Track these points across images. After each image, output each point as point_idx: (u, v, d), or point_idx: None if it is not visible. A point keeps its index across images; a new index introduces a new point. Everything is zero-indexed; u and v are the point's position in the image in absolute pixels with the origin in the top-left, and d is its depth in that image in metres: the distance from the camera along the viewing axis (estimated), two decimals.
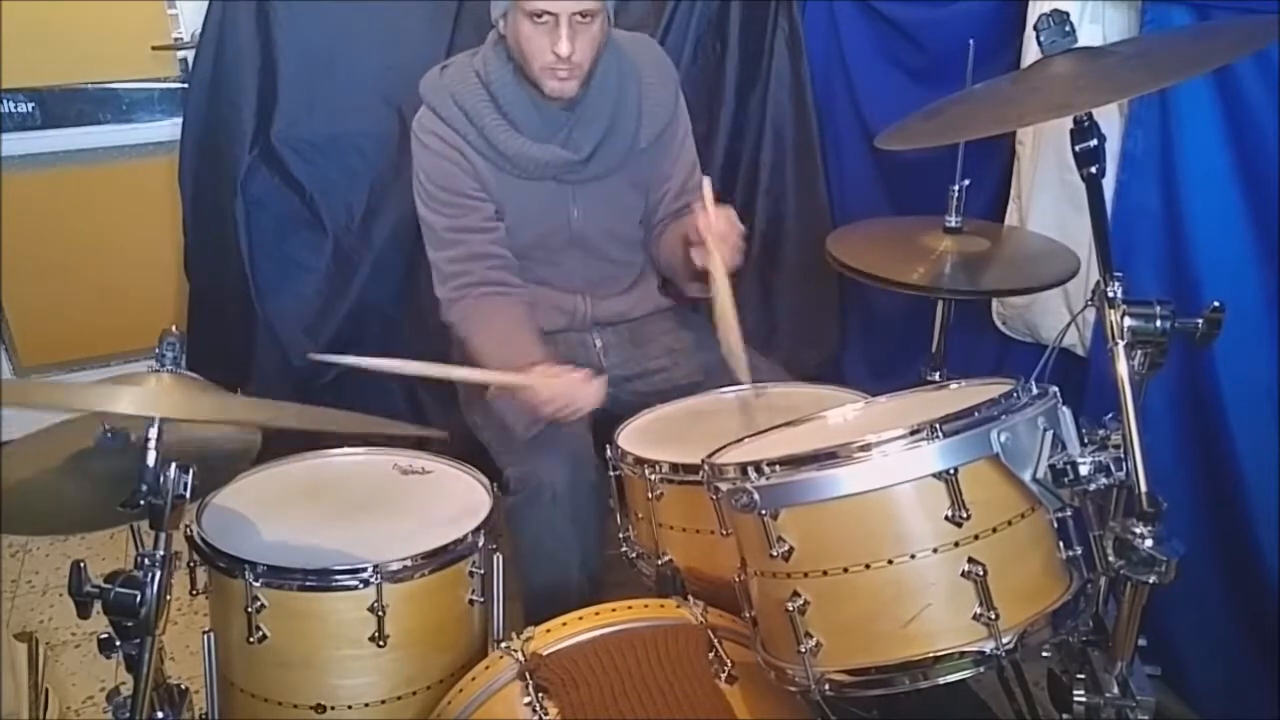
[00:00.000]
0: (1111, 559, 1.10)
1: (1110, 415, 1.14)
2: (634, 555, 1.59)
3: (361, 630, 1.36)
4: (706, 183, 1.66)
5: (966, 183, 1.76)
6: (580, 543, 1.60)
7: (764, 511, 1.11)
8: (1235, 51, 1.33)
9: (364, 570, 1.34)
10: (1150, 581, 1.09)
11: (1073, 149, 1.17)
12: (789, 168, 2.54)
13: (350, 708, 1.38)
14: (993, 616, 1.06)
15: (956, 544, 1.07)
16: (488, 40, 1.77)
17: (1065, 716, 1.21)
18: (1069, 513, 1.12)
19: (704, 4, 2.41)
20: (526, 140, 1.74)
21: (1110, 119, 1.72)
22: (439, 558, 1.39)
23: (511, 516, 1.61)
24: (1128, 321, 1.15)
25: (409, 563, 1.37)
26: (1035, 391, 1.14)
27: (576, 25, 1.63)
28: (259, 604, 1.34)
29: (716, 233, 1.61)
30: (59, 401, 1.12)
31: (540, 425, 1.63)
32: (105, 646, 1.06)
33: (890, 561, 1.07)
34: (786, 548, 1.11)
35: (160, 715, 1.14)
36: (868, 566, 1.08)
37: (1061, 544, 1.13)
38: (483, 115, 1.74)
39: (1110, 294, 1.15)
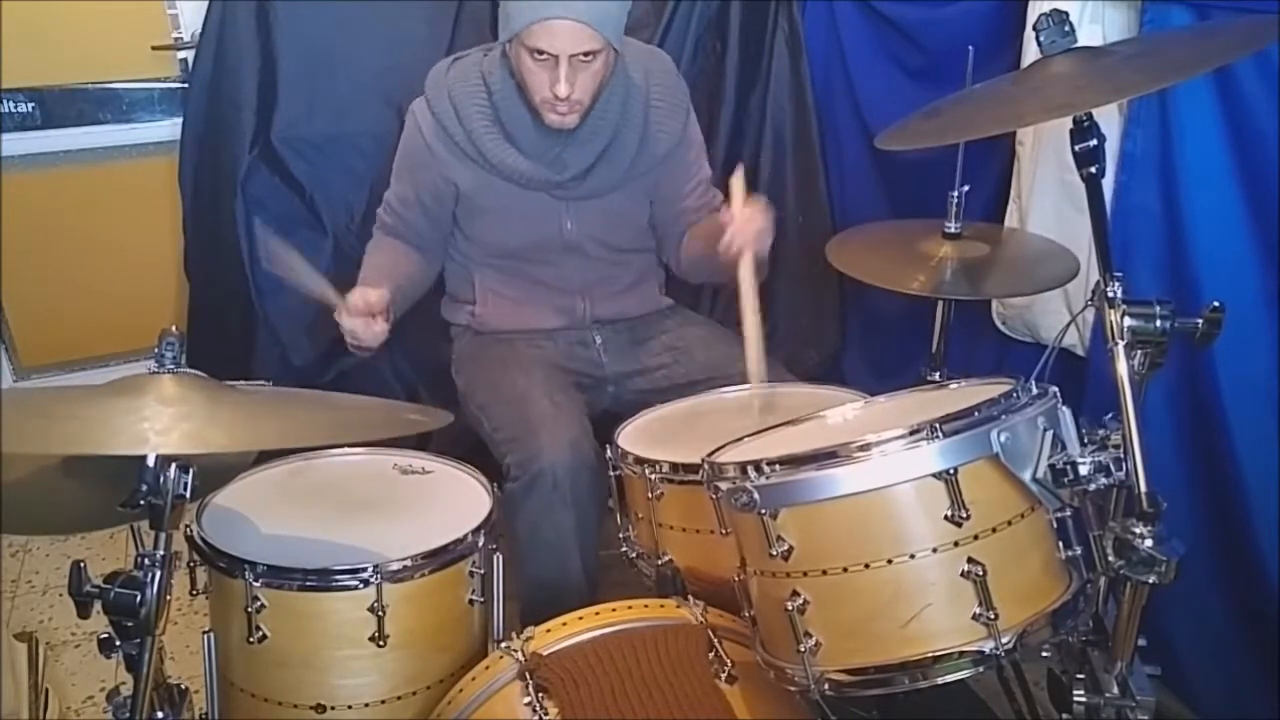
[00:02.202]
0: (1111, 559, 1.10)
1: (1110, 415, 1.14)
2: (634, 555, 1.59)
3: (361, 630, 1.35)
4: (738, 177, 1.66)
5: (966, 188, 1.76)
6: (579, 530, 1.60)
7: (764, 511, 1.11)
8: (1235, 51, 1.33)
9: (364, 570, 1.34)
10: (1150, 581, 1.09)
11: (1072, 149, 1.17)
12: (789, 168, 2.53)
13: (350, 708, 1.38)
14: (992, 616, 1.06)
15: (956, 544, 1.07)
16: (498, 48, 1.76)
17: (1065, 716, 1.21)
18: (1069, 513, 1.12)
19: (704, 4, 2.41)
20: (514, 152, 1.75)
21: (1110, 119, 1.72)
22: (439, 558, 1.39)
23: (509, 503, 1.61)
24: (1128, 321, 1.15)
25: (409, 563, 1.37)
26: (1035, 391, 1.14)
27: (577, 64, 1.62)
28: (259, 604, 1.34)
29: (740, 222, 1.61)
30: (50, 445, 1.09)
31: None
32: (105, 646, 1.06)
33: (890, 561, 1.07)
34: (786, 547, 1.11)
35: (160, 715, 1.14)
36: (867, 566, 1.08)
37: (1061, 544, 1.13)
38: (474, 119, 1.75)
39: (1110, 294, 1.15)
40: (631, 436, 1.62)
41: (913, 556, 1.07)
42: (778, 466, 1.10)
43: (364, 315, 1.64)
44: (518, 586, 1.64)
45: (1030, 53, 1.82)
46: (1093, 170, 1.17)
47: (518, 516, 1.61)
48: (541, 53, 1.61)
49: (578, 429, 1.65)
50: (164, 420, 1.02)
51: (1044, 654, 1.13)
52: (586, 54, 1.62)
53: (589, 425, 1.70)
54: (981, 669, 1.07)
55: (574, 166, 1.77)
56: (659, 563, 1.51)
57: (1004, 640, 1.06)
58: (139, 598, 1.02)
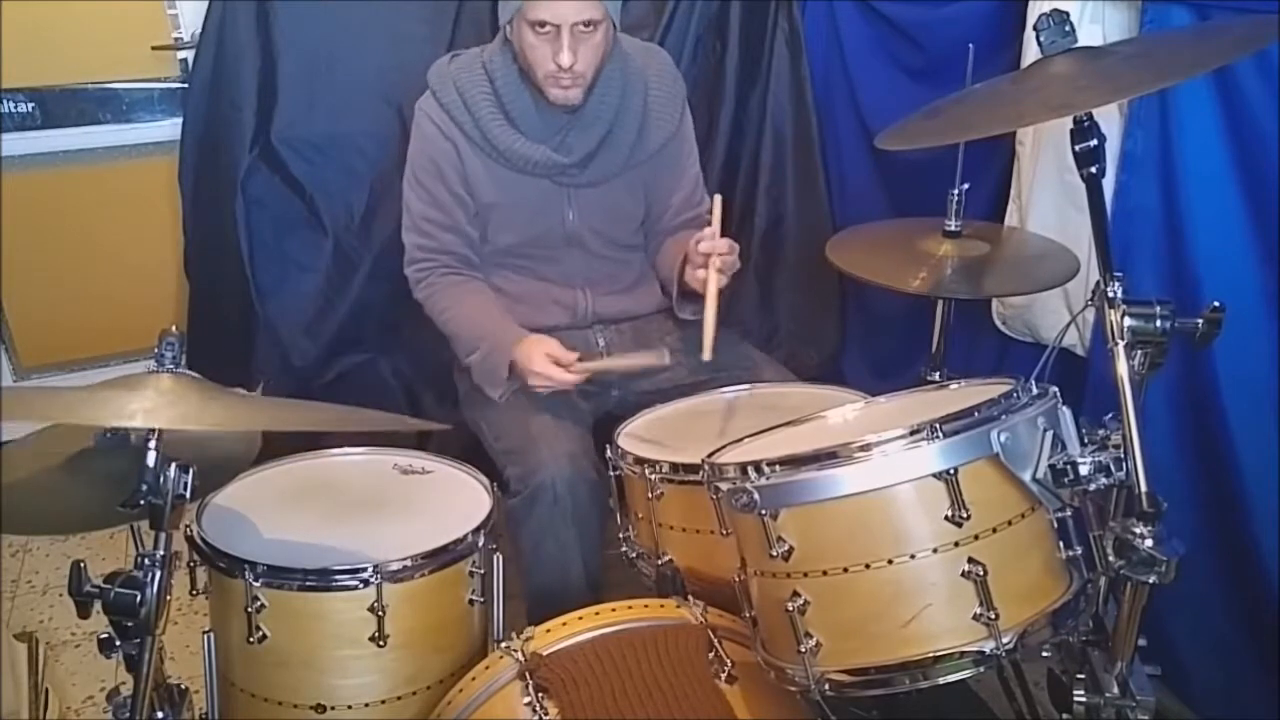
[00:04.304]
0: (1111, 559, 1.10)
1: (1110, 415, 1.14)
2: (634, 555, 1.59)
3: (361, 630, 1.36)
4: (717, 201, 1.68)
5: (966, 186, 1.76)
6: (581, 543, 1.61)
7: (764, 511, 1.11)
8: (1235, 51, 1.33)
9: (364, 570, 1.34)
10: (1150, 581, 1.09)
11: (1073, 149, 1.17)
12: (789, 168, 2.54)
13: (350, 708, 1.38)
14: (993, 616, 1.06)
15: (956, 544, 1.07)
16: (497, 37, 1.78)
17: (1065, 716, 1.21)
18: (1069, 513, 1.12)
19: (704, 4, 2.41)
20: (520, 137, 1.76)
21: (1110, 119, 1.72)
22: (439, 558, 1.39)
23: (511, 518, 1.62)
24: (1128, 321, 1.15)
25: (409, 563, 1.37)
26: (1035, 391, 1.14)
27: (579, 35, 1.64)
28: (259, 604, 1.34)
29: (720, 257, 1.64)
30: (58, 414, 1.10)
31: (510, 391, 1.72)
32: (105, 646, 1.06)
33: (890, 561, 1.07)
34: (786, 548, 1.11)
35: (160, 715, 1.14)
36: (868, 566, 1.08)
37: (1061, 544, 1.13)
38: (480, 106, 1.76)
39: (1110, 294, 1.15)
40: (631, 436, 1.62)
41: (913, 557, 1.07)
42: (778, 467, 1.10)
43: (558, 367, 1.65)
44: (522, 597, 1.65)
45: (1030, 53, 1.83)
46: (1093, 170, 1.17)
47: (520, 531, 1.61)
48: (543, 25, 1.62)
49: (577, 442, 1.66)
50: (153, 400, 1.03)
51: (1044, 654, 1.13)
52: (587, 23, 1.63)
53: (590, 438, 1.70)
54: (982, 669, 1.07)
55: (579, 150, 1.78)
56: (659, 563, 1.51)
57: (1004, 640, 1.06)
58: (139, 598, 1.02)
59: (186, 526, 1.42)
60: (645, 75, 1.84)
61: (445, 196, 1.81)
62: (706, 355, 1.60)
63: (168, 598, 1.04)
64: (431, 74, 1.83)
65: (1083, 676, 1.22)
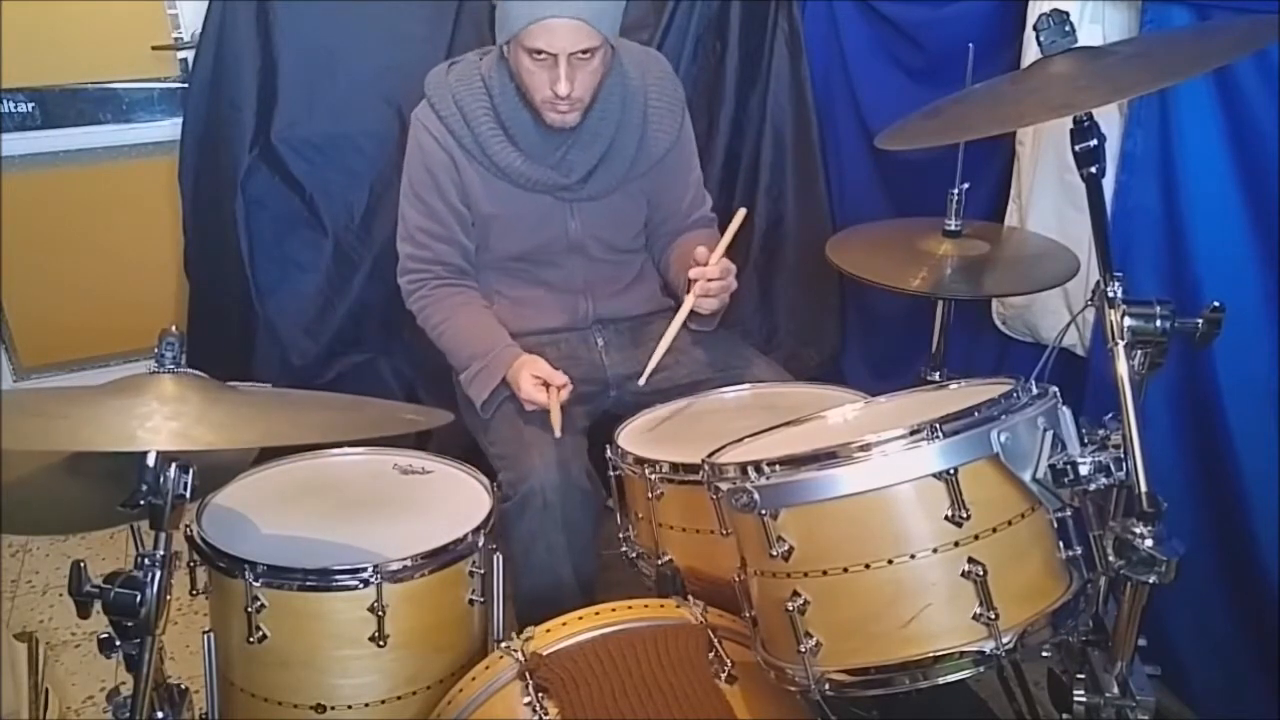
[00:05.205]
0: (1111, 559, 1.10)
1: (1110, 415, 1.14)
2: (634, 555, 1.59)
3: (361, 630, 1.36)
4: (739, 215, 1.70)
5: (966, 186, 1.76)
6: (571, 548, 1.61)
7: (764, 511, 1.11)
8: (1235, 51, 1.33)
9: (364, 570, 1.35)
10: (1150, 581, 1.09)
11: (1073, 149, 1.17)
12: (789, 168, 2.54)
13: (350, 708, 1.38)
14: (993, 616, 1.06)
15: (956, 544, 1.07)
16: (495, 50, 1.77)
17: (1065, 716, 1.21)
18: (1069, 513, 1.12)
19: (704, 4, 2.41)
20: (520, 155, 1.75)
21: (1110, 119, 1.72)
22: (439, 558, 1.40)
23: (505, 521, 1.62)
24: (1128, 321, 1.15)
25: (409, 563, 1.37)
26: (1035, 391, 1.14)
27: (576, 62, 1.63)
28: (259, 604, 1.34)
29: (712, 281, 1.66)
30: (49, 442, 1.09)
31: (494, 407, 1.73)
32: (105, 646, 1.06)
33: (890, 561, 1.07)
34: (786, 547, 1.11)
35: (160, 715, 1.14)
36: (867, 566, 1.08)
37: (1061, 544, 1.13)
38: (480, 122, 1.75)
39: (1110, 294, 1.15)
40: (631, 436, 1.62)
41: (913, 557, 1.07)
42: (778, 467, 1.10)
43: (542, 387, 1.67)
44: (515, 603, 1.65)
45: (1030, 53, 1.82)
46: (1093, 170, 1.17)
47: (512, 535, 1.62)
48: (540, 53, 1.61)
49: (570, 449, 1.66)
50: (154, 418, 1.02)
51: (1044, 654, 1.13)
52: (585, 51, 1.62)
53: (584, 442, 1.71)
54: (982, 669, 1.07)
55: (579, 168, 1.78)
56: (659, 563, 1.52)
57: (1004, 640, 1.06)
58: (139, 598, 1.02)
59: (186, 526, 1.42)
60: (644, 85, 1.83)
61: (441, 208, 1.81)
62: (642, 382, 1.65)
63: (168, 598, 1.04)
64: (429, 83, 1.82)
65: (1083, 676, 1.22)
